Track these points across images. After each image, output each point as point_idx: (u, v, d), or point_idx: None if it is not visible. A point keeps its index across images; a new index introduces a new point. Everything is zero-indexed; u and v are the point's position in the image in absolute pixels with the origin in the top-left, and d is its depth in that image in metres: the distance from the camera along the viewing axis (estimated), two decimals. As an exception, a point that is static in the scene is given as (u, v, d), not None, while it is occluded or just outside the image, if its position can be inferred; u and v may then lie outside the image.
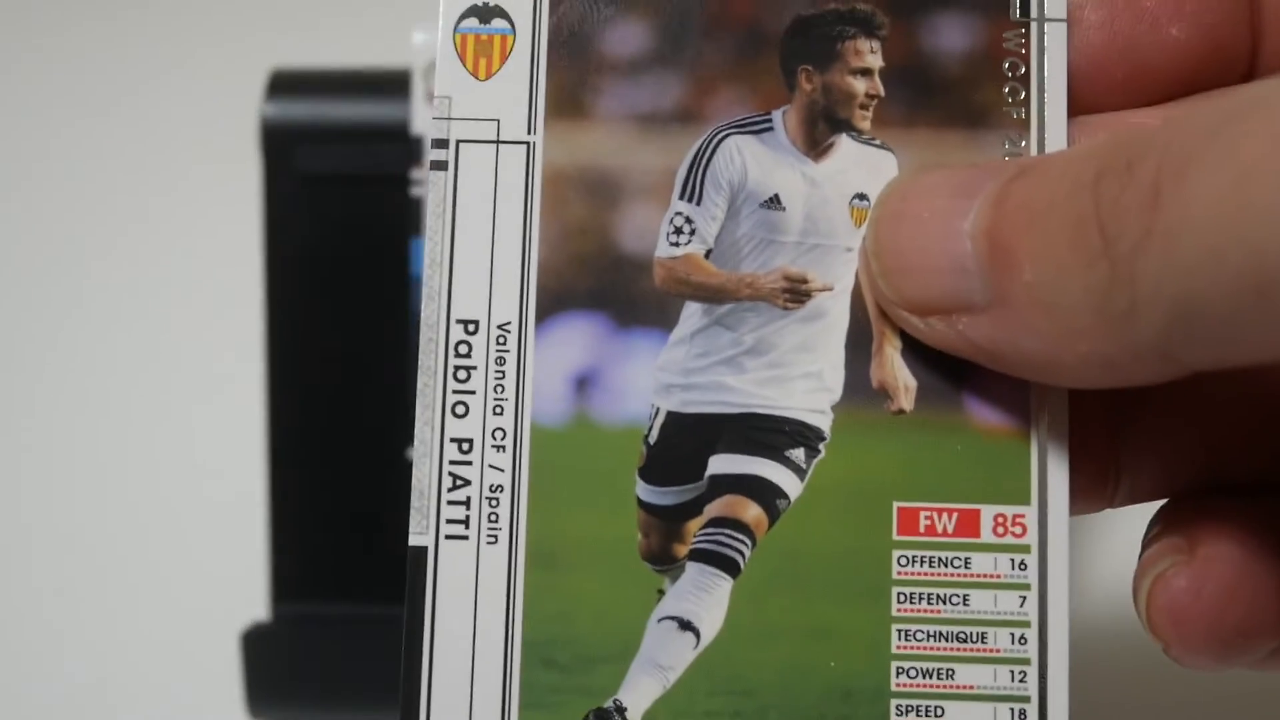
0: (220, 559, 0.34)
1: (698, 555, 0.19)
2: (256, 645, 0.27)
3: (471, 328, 0.20)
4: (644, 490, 0.19)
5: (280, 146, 0.28)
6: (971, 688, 0.19)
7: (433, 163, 0.20)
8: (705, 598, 0.19)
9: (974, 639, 0.19)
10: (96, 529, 0.36)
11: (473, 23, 0.20)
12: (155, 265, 0.48)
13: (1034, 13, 0.19)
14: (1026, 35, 0.19)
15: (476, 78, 0.20)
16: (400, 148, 0.28)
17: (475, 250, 0.20)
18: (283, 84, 0.28)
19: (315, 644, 0.28)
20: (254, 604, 0.28)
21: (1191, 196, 0.12)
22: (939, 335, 0.16)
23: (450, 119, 0.20)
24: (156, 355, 0.44)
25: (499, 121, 0.20)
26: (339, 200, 0.28)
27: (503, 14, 0.20)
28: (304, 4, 0.60)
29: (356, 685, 0.28)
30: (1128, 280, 0.13)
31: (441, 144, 0.20)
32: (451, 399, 0.20)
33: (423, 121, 0.27)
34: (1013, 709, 0.19)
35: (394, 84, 0.28)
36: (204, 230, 0.49)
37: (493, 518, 0.19)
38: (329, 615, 0.28)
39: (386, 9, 0.39)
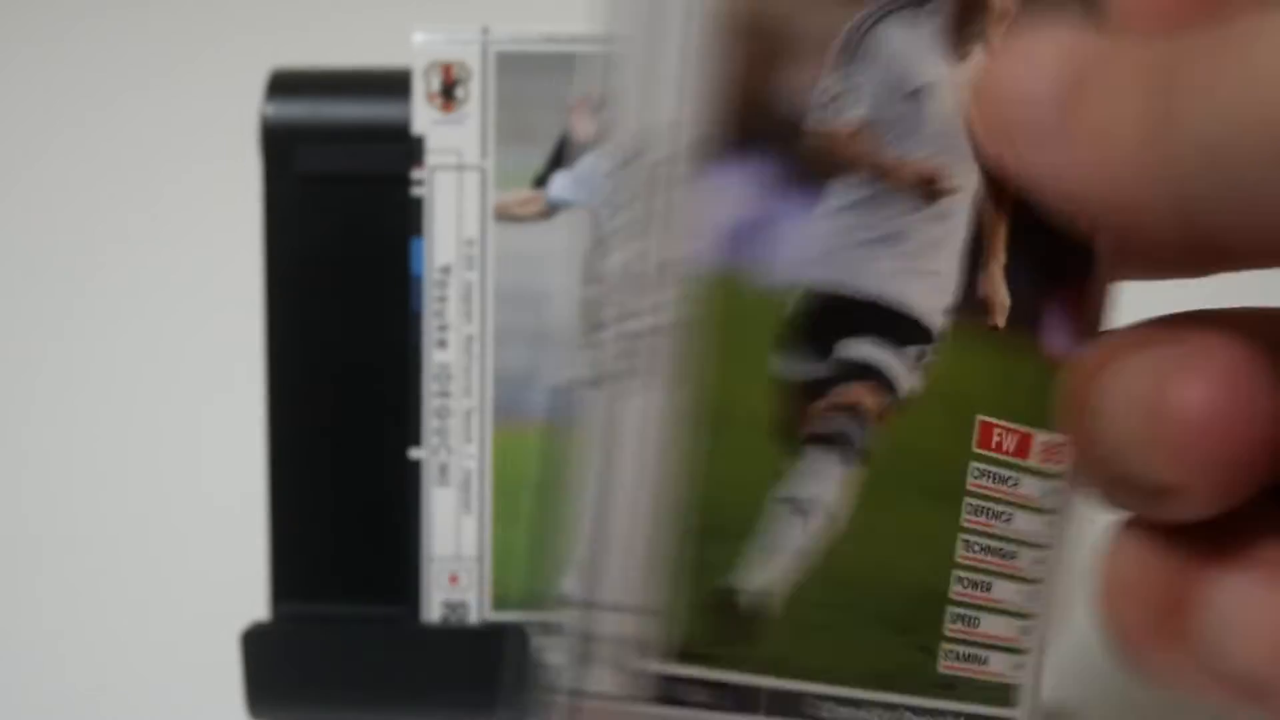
0: (221, 558, 0.34)
1: (815, 438, 0.18)
2: (257, 645, 0.27)
3: (635, 156, 0.18)
4: (780, 361, 0.18)
5: (280, 146, 0.28)
6: (1001, 602, 0.19)
7: None
8: (821, 481, 0.18)
9: (1008, 555, 0.19)
10: (97, 529, 0.36)
11: None
12: (156, 265, 0.48)
13: None
14: None
15: None
16: (401, 148, 0.28)
17: (654, 59, 0.18)
18: (283, 84, 0.28)
19: (316, 644, 0.28)
20: (254, 603, 0.28)
21: (1247, 61, 0.13)
22: (1013, 164, 0.17)
23: None
24: (156, 355, 0.44)
25: None
26: (339, 200, 0.28)
27: None
28: (304, 4, 0.60)
29: (357, 685, 0.28)
30: (1186, 129, 0.13)
31: None
32: (599, 235, 0.18)
33: (423, 122, 0.27)
34: (1024, 625, 0.19)
35: (395, 84, 0.28)
36: (204, 230, 0.49)
37: (644, 367, 0.17)
38: (330, 615, 0.28)
39: (387, 9, 0.39)
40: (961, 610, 0.19)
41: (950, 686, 0.19)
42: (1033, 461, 0.19)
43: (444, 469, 0.28)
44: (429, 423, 0.27)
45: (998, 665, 0.19)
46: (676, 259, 0.17)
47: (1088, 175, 0.15)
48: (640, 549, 0.17)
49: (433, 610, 0.28)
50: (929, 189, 0.19)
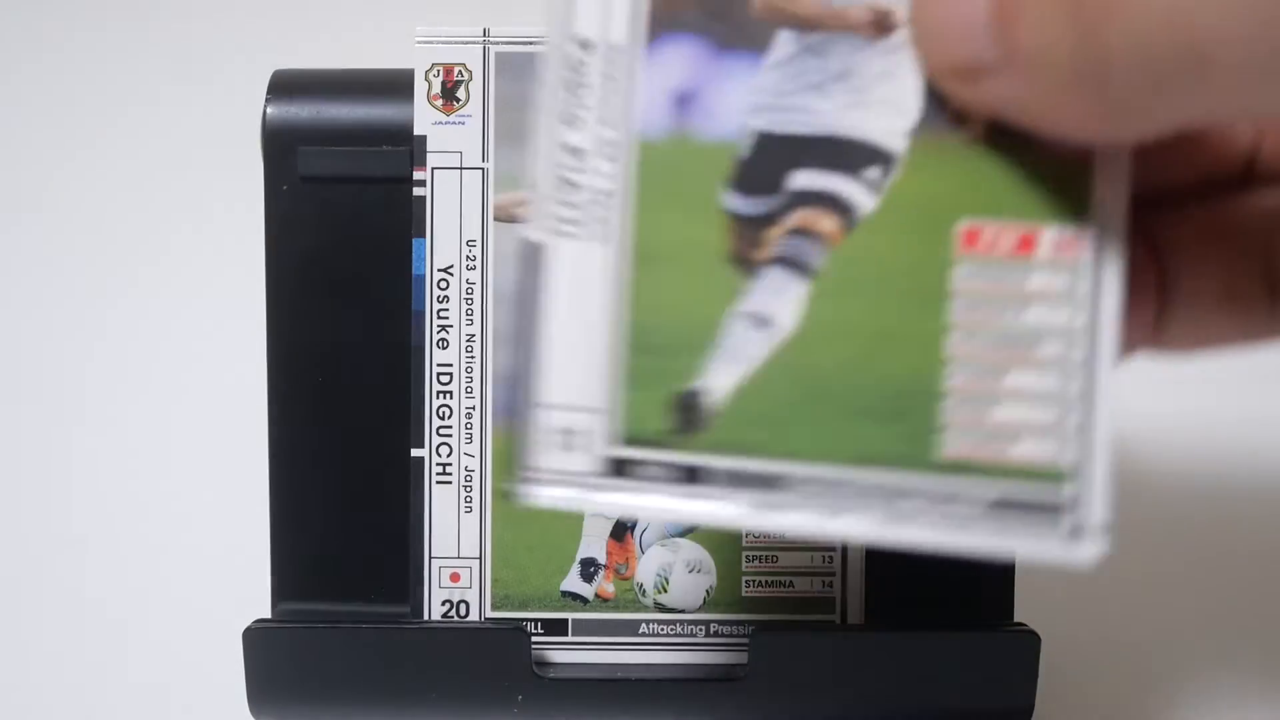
0: (222, 557, 0.34)
1: (776, 260, 0.21)
2: (257, 644, 0.28)
3: (587, 47, 0.21)
4: (731, 199, 0.21)
5: (282, 148, 0.28)
6: (1020, 390, 0.21)
7: None
8: (780, 296, 0.21)
9: (1025, 345, 0.21)
10: (98, 528, 0.36)
11: None
12: (158, 266, 0.48)
13: None
14: None
15: None
16: (402, 149, 0.28)
17: None
18: (284, 85, 0.29)
19: (316, 643, 0.28)
20: (256, 602, 0.29)
21: None
22: (968, 97, 0.19)
23: None
24: (158, 355, 0.44)
25: None
26: (341, 201, 0.28)
27: None
28: (305, 5, 0.60)
29: (357, 685, 0.28)
30: (1102, 45, 0.16)
31: None
32: (566, 111, 0.21)
33: (424, 123, 0.28)
34: (1058, 409, 0.20)
35: (396, 86, 0.28)
36: (206, 232, 0.49)
37: (603, 219, 0.21)
38: (330, 614, 0.29)
39: (388, 10, 0.39)
40: (966, 399, 0.21)
41: (962, 467, 0.21)
42: (1041, 255, 0.21)
43: (444, 469, 0.28)
44: (429, 423, 0.28)
45: (1030, 449, 0.21)
46: (634, 128, 0.21)
47: (1045, 103, 0.17)
48: (593, 361, 0.21)
49: (433, 609, 0.28)
50: (880, 25, 0.21)
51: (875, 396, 0.21)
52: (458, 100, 0.28)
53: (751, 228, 0.21)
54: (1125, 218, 0.20)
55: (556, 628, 0.29)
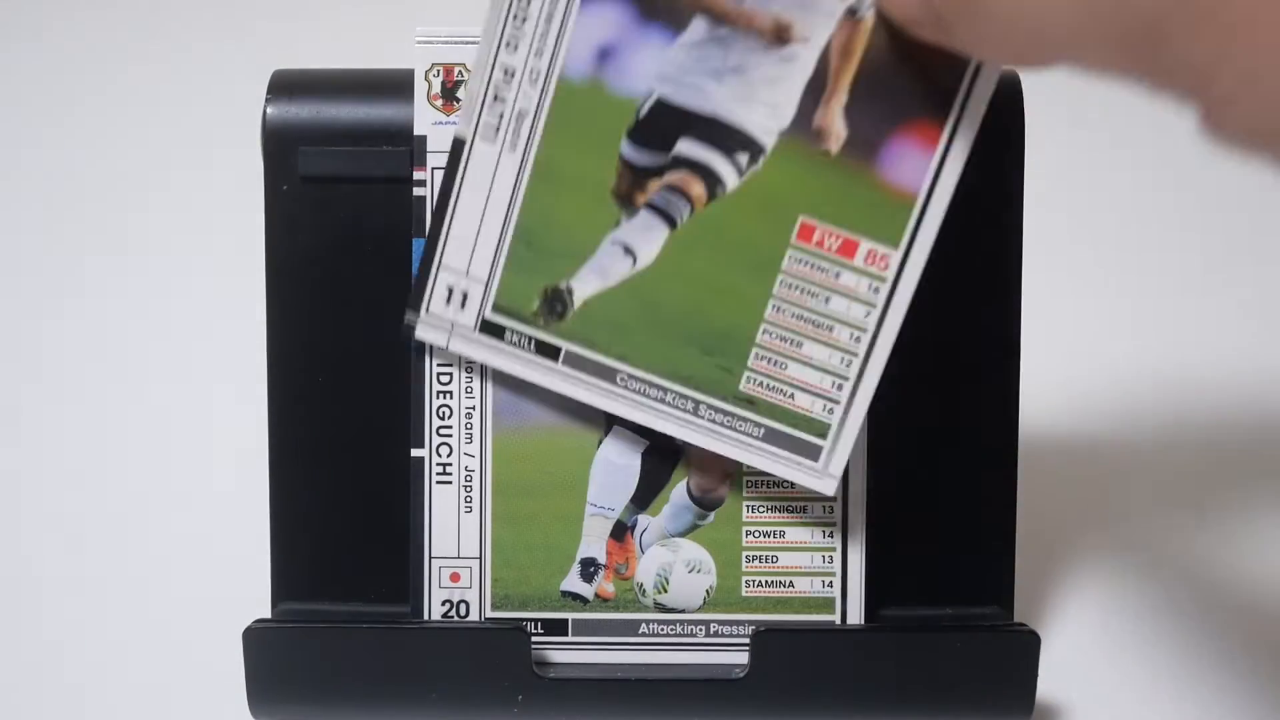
0: (222, 557, 0.34)
1: (650, 206, 0.27)
2: (257, 644, 0.28)
3: None
4: (627, 148, 0.26)
5: (282, 148, 0.28)
6: (811, 359, 0.27)
7: None
8: (648, 236, 0.27)
9: (823, 327, 0.27)
10: (99, 527, 0.36)
11: None
12: (159, 267, 0.48)
13: None
14: None
15: None
16: (402, 149, 0.28)
17: None
18: (284, 86, 0.29)
19: (316, 643, 0.28)
20: (256, 602, 0.29)
21: None
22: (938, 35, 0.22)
23: None
24: (159, 356, 0.44)
25: None
26: (341, 201, 0.28)
27: None
28: (306, 5, 0.60)
29: (357, 684, 0.28)
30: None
31: None
32: (506, 36, 0.26)
33: (425, 123, 0.28)
34: (835, 381, 0.27)
35: (396, 86, 0.28)
36: (206, 232, 0.49)
37: (516, 131, 0.26)
38: (330, 614, 0.29)
39: (388, 10, 0.39)
40: (769, 354, 0.27)
41: (750, 401, 0.27)
42: (856, 262, 0.26)
43: (444, 469, 0.28)
44: (429, 423, 0.28)
45: (805, 403, 0.27)
46: (559, 64, 0.26)
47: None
48: (487, 242, 0.27)
49: (433, 609, 0.28)
50: (779, 35, 0.25)
51: (701, 331, 0.27)
52: (458, 100, 0.28)
53: (638, 175, 0.26)
54: (925, 255, 0.26)
55: (556, 628, 0.29)
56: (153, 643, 0.32)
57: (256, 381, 0.29)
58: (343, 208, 0.28)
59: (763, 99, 0.25)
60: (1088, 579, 0.34)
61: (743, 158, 0.26)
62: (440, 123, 0.28)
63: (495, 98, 0.26)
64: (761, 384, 0.27)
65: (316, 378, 0.29)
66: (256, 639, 0.28)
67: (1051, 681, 0.30)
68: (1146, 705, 0.31)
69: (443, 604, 0.29)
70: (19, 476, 0.38)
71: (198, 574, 0.34)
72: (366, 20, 0.53)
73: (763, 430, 0.27)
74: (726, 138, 0.26)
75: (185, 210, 0.49)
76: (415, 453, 0.29)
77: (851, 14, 0.25)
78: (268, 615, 0.29)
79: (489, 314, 0.27)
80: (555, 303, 0.27)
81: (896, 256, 0.26)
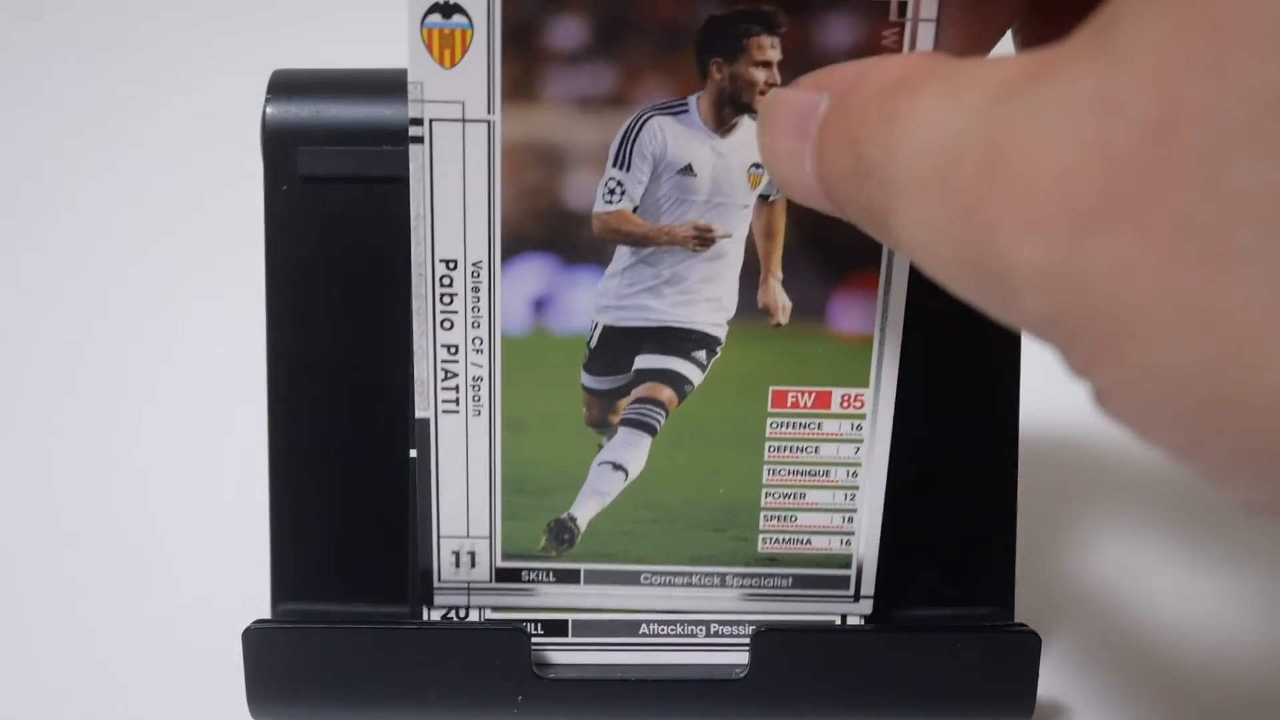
0: (221, 557, 0.34)
1: (626, 422, 0.27)
2: (257, 644, 0.28)
3: (451, 265, 0.26)
4: (587, 379, 0.27)
5: (281, 148, 0.28)
6: (816, 504, 0.28)
7: (411, 137, 0.25)
8: (632, 449, 0.27)
9: (820, 474, 0.28)
10: (98, 527, 0.36)
11: (436, 18, 0.24)
12: (159, 267, 0.48)
13: (909, 14, 0.24)
14: (901, 33, 0.24)
15: (443, 66, 0.24)
16: (402, 150, 0.28)
17: (450, 206, 0.25)
18: (284, 85, 0.29)
19: (316, 644, 0.28)
20: (256, 602, 0.29)
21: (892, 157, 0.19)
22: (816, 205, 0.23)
23: (423, 101, 0.24)
24: (159, 356, 0.44)
25: (464, 103, 0.25)
26: (340, 201, 0.28)
27: (461, 10, 0.24)
28: (306, 5, 0.60)
29: (357, 685, 0.28)
30: (826, 183, 0.21)
31: (417, 122, 0.25)
32: (440, 316, 0.26)
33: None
34: (844, 515, 0.28)
35: (396, 85, 0.28)
36: (206, 232, 0.49)
37: (476, 398, 0.27)
38: (330, 615, 0.29)
39: (388, 10, 0.39)
40: (777, 512, 0.28)
41: (771, 559, 0.29)
42: (834, 409, 0.27)
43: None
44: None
45: (822, 544, 0.28)
46: (498, 327, 0.26)
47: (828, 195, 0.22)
48: (479, 503, 0.28)
49: (433, 609, 0.28)
50: (702, 239, 0.26)
51: (708, 514, 0.28)
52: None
53: (606, 399, 0.27)
54: (894, 385, 0.27)
55: (556, 628, 0.29)
56: (152, 642, 0.32)
57: (256, 381, 0.29)
58: (343, 208, 0.28)
59: (704, 297, 0.26)
60: (1088, 579, 0.34)
61: (701, 354, 0.27)
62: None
63: (446, 375, 0.27)
64: (778, 540, 0.28)
65: (316, 377, 0.29)
66: (256, 639, 0.28)
67: (1051, 681, 0.30)
68: (1146, 705, 0.31)
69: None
70: (19, 476, 0.38)
71: (197, 574, 0.34)
72: (366, 20, 0.53)
73: (790, 579, 0.29)
74: (681, 341, 0.27)
75: (184, 210, 0.49)
76: (414, 453, 0.28)
77: (765, 199, 0.26)
78: (267, 615, 0.29)
79: (501, 564, 0.28)
80: (562, 534, 0.28)
81: (869, 393, 0.27)
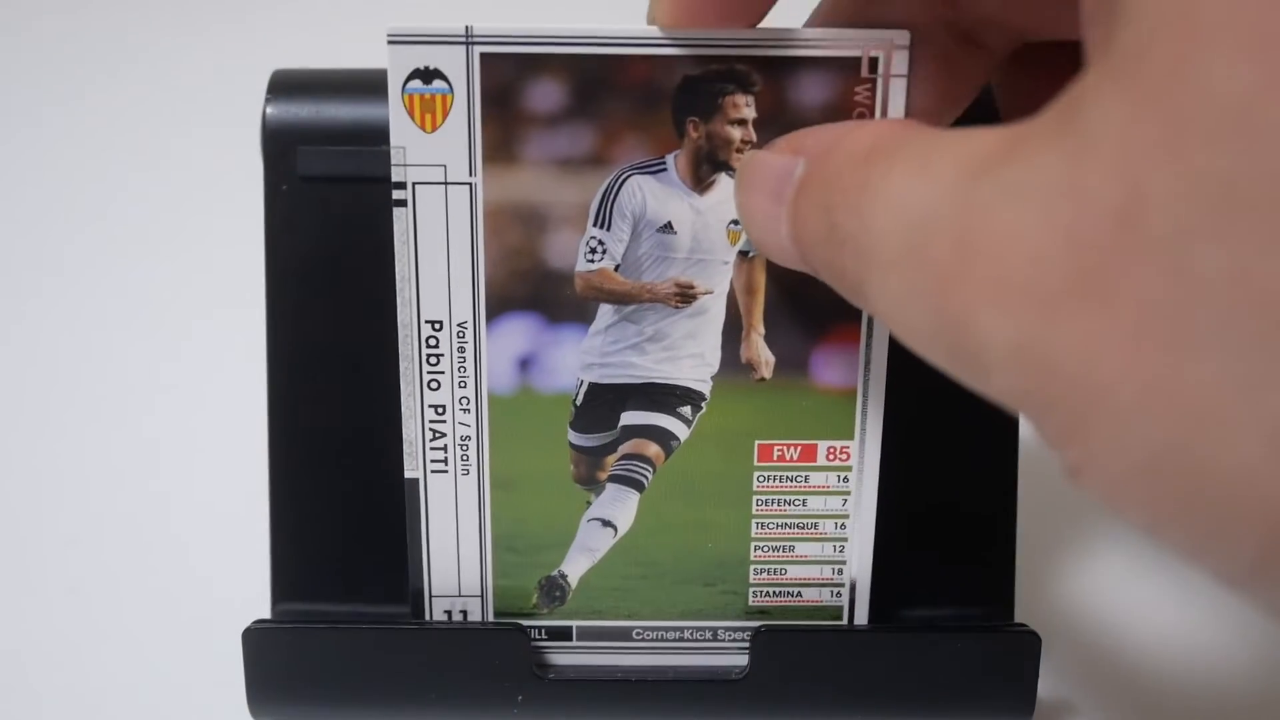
0: (221, 557, 0.34)
1: (614, 479, 0.28)
2: (257, 644, 0.28)
3: (437, 326, 0.26)
4: (574, 436, 0.27)
5: (281, 148, 0.28)
6: (806, 557, 0.28)
7: (394, 201, 0.25)
8: (620, 505, 0.28)
9: (808, 526, 0.28)
10: (98, 527, 0.36)
11: (417, 84, 0.24)
12: (158, 267, 0.48)
13: (880, 71, 0.24)
14: (874, 90, 0.24)
15: (424, 130, 0.25)
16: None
17: (435, 267, 0.26)
18: (284, 85, 0.29)
19: (316, 644, 0.28)
20: (256, 602, 0.29)
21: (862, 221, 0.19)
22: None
23: (406, 165, 0.25)
24: (159, 356, 0.44)
25: (446, 166, 0.25)
26: (340, 201, 0.28)
27: (441, 76, 0.24)
28: (306, 5, 0.60)
29: (358, 685, 0.28)
30: (804, 248, 0.21)
31: (400, 186, 0.25)
32: (426, 377, 0.27)
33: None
34: (834, 568, 0.28)
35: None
36: (205, 232, 0.49)
37: (464, 458, 0.27)
38: (330, 615, 0.29)
39: (388, 10, 0.39)
40: (766, 565, 0.28)
41: (763, 612, 0.29)
42: (820, 461, 0.28)
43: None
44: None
45: (812, 595, 0.29)
46: (484, 386, 0.27)
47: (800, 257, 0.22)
48: (469, 562, 0.28)
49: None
50: (685, 295, 0.26)
51: (698, 569, 0.28)
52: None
53: (593, 456, 0.27)
54: (879, 436, 0.27)
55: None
56: (152, 642, 0.32)
57: (256, 381, 0.29)
58: (343, 208, 0.28)
59: (688, 353, 0.27)
60: (1088, 579, 0.34)
61: (686, 410, 0.27)
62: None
63: (434, 435, 0.27)
64: (768, 594, 0.29)
65: (315, 377, 0.29)
66: (256, 639, 0.28)
67: (1051, 681, 0.30)
68: (1147, 705, 0.31)
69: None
70: (19, 476, 0.38)
71: (197, 574, 0.34)
72: (366, 20, 0.53)
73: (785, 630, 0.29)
74: (666, 397, 0.27)
75: (184, 210, 0.49)
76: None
77: (745, 255, 0.26)
78: (267, 615, 0.29)
79: (504, 620, 0.29)
80: (553, 590, 0.28)
81: (854, 444, 0.27)
